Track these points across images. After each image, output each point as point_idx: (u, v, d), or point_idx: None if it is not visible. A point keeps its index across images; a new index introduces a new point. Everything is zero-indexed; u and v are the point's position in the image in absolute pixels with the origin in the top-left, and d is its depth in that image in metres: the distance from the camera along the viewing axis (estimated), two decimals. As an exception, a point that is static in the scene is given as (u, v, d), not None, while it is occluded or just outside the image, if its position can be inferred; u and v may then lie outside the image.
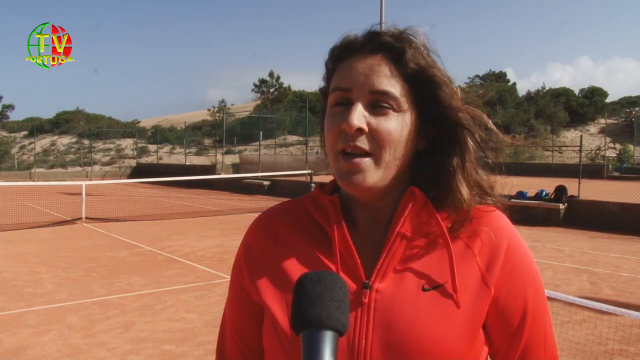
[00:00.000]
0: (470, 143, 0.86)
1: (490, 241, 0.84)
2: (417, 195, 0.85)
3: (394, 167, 0.84)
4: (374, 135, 0.81)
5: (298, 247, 0.88)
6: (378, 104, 0.82)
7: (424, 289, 0.81)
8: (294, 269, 0.86)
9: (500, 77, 50.45)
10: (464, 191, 0.85)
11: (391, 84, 0.82)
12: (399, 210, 0.85)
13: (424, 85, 0.84)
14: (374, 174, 0.82)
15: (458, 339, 0.79)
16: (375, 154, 0.82)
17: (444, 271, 0.81)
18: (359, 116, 0.80)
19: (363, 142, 0.81)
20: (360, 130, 0.81)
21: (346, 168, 0.82)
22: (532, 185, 13.61)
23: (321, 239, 0.87)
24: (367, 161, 0.82)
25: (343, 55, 0.86)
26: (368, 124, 0.81)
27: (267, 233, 0.92)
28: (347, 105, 0.83)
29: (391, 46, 0.84)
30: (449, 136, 0.86)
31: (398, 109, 0.83)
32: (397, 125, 0.82)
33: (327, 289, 0.62)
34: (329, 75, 0.89)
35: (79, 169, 34.23)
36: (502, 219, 0.89)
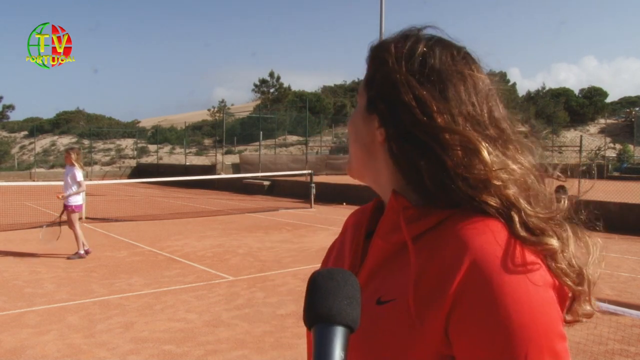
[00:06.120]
0: (408, 107, 0.76)
1: (444, 257, 0.70)
2: (395, 200, 0.78)
3: (357, 157, 0.86)
4: None
5: (343, 246, 0.92)
6: None
7: (378, 302, 0.74)
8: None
9: (500, 77, 50.44)
10: (432, 186, 0.74)
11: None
12: (382, 217, 0.81)
13: (369, 67, 0.86)
14: (347, 162, 0.89)
15: None
16: None
17: (401, 284, 0.73)
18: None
19: None
20: None
21: None
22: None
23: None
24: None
25: None
26: None
27: (343, 232, 0.97)
28: None
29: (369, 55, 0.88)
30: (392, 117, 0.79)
31: (357, 102, 0.87)
32: (352, 118, 0.87)
33: (339, 285, 0.63)
34: None
35: (79, 169, 34.18)
36: (475, 229, 0.70)
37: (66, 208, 8.33)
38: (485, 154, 0.72)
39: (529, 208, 0.71)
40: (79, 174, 8.31)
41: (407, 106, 0.75)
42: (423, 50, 0.79)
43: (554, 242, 0.69)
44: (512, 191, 0.72)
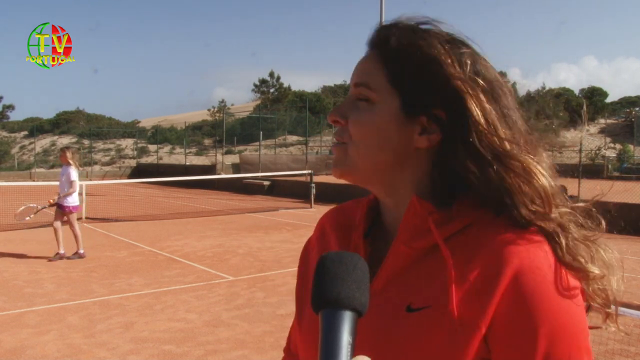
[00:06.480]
0: (477, 122, 0.71)
1: (484, 264, 0.69)
2: (419, 205, 0.76)
3: (369, 160, 0.78)
4: (348, 127, 0.79)
5: (327, 246, 0.89)
6: (358, 96, 0.79)
7: (409, 309, 0.73)
8: None
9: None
10: (491, 202, 0.73)
11: (370, 74, 0.78)
12: (402, 222, 0.77)
13: (407, 64, 0.76)
14: (344, 163, 0.79)
15: None
16: (347, 143, 0.79)
17: (434, 290, 0.71)
18: (339, 109, 0.80)
19: (340, 134, 0.80)
20: (336, 122, 0.81)
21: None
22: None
23: (347, 243, 0.86)
24: (340, 148, 0.80)
25: None
26: (347, 117, 0.80)
27: (319, 231, 0.94)
28: None
29: (380, 35, 0.80)
30: (450, 123, 0.74)
31: (373, 100, 0.78)
32: (367, 117, 0.77)
33: (348, 269, 0.62)
34: None
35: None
36: (515, 238, 0.69)
37: (64, 209, 8.31)
38: (545, 183, 0.73)
39: (575, 231, 0.72)
40: (74, 174, 8.29)
41: (475, 119, 0.72)
42: (469, 54, 0.75)
43: (596, 270, 0.71)
44: (564, 219, 0.72)
